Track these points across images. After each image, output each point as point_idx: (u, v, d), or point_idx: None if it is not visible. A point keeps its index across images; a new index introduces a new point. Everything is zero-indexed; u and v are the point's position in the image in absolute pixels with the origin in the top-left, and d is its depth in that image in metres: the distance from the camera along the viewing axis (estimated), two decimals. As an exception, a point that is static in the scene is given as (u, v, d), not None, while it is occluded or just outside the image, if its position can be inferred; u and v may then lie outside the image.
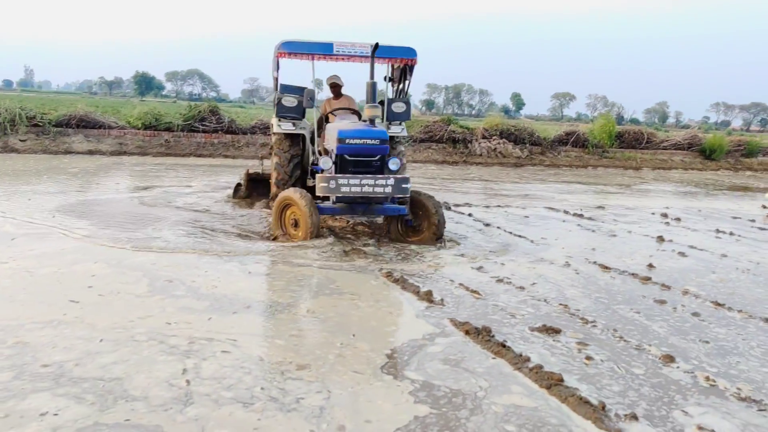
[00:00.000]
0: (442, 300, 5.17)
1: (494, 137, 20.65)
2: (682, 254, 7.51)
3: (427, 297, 5.20)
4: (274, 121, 8.39)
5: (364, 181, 6.60)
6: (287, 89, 8.53)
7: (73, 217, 7.96)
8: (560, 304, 5.26)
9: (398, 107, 8.51)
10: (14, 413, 3.02)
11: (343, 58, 7.94)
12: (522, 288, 5.68)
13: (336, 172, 6.85)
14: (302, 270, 5.93)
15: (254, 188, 9.90)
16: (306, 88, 8.24)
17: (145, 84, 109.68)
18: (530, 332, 4.55)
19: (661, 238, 8.40)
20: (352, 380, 3.54)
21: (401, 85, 8.94)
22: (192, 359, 3.70)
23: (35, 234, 6.90)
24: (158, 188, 11.07)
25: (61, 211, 8.32)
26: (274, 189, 8.30)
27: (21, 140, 15.75)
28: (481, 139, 20.59)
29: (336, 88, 8.70)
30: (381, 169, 6.96)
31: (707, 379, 3.87)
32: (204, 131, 17.98)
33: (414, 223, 7.44)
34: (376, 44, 7.13)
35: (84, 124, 16.85)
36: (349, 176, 6.62)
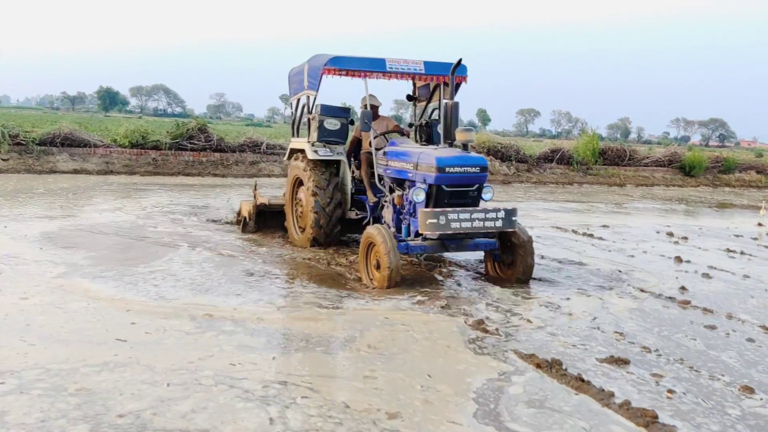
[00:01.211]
0: (497, 330, 5.02)
1: (482, 155, 20.69)
2: (706, 276, 7.51)
3: (480, 326, 5.08)
4: (306, 146, 7.74)
5: (474, 215, 5.92)
6: (329, 110, 7.82)
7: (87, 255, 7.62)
8: (615, 332, 5.17)
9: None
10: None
11: (395, 76, 7.41)
12: (571, 315, 5.60)
13: (430, 205, 6.15)
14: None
15: (263, 221, 8.99)
16: (349, 107, 7.96)
17: (109, 99, 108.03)
18: (599, 363, 4.44)
19: (679, 259, 8.41)
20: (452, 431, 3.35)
21: (430, 104, 8.54)
22: (273, 407, 3.48)
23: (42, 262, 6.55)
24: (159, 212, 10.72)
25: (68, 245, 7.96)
26: (310, 229, 7.64)
27: (3, 159, 15.17)
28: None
29: (374, 109, 8.02)
30: (476, 200, 6.36)
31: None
32: (192, 149, 17.62)
33: (501, 257, 6.69)
34: (459, 60, 6.66)
35: (69, 142, 16.34)
36: (458, 210, 5.90)
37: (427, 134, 8.37)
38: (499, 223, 6.01)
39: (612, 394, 3.87)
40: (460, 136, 6.31)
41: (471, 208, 6.00)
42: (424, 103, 8.74)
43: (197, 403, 3.47)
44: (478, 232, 6.07)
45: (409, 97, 8.85)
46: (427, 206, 6.12)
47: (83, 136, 16.71)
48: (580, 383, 4.03)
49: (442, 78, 7.47)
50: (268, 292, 5.94)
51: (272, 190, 10.54)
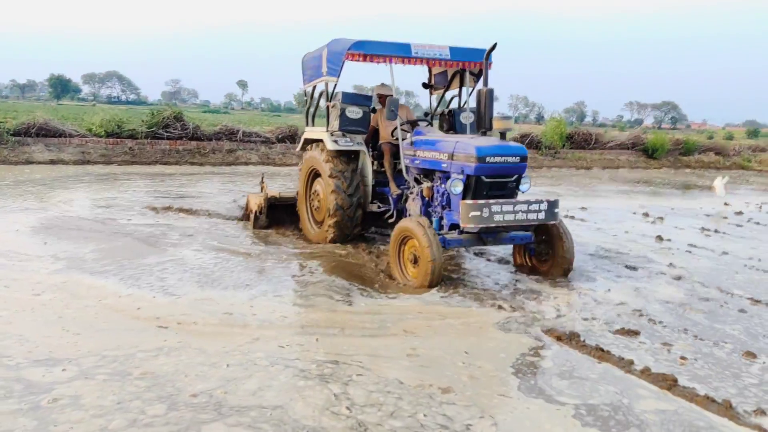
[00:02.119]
0: (521, 308, 5.38)
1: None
2: (689, 252, 7.99)
3: (507, 309, 5.34)
4: (325, 135, 7.40)
5: (517, 207, 5.65)
6: (351, 98, 7.43)
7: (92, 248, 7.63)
8: (617, 304, 5.57)
9: (466, 118, 7.73)
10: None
11: (420, 62, 7.08)
12: (574, 289, 5.97)
13: (468, 197, 5.89)
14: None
15: (275, 215, 8.56)
16: (370, 95, 7.54)
17: (61, 87, 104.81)
18: (614, 335, 4.79)
19: (660, 238, 8.89)
20: (506, 404, 3.62)
21: (446, 92, 8.36)
22: (333, 384, 3.72)
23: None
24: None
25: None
26: (330, 224, 7.27)
27: (-23, 151, 14.84)
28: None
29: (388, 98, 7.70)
30: (514, 191, 6.10)
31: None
32: (168, 138, 17.50)
33: (537, 250, 6.51)
34: (494, 45, 6.26)
35: (44, 132, 16.06)
36: (501, 202, 5.63)
37: (449, 123, 8.05)
38: (542, 216, 5.78)
39: (632, 362, 4.23)
40: (497, 124, 6.10)
41: (513, 200, 5.76)
42: (441, 91, 8.51)
43: (261, 382, 3.69)
44: (520, 225, 5.84)
45: (425, 85, 8.58)
46: (464, 198, 5.88)
47: (58, 126, 16.46)
48: (601, 353, 4.39)
49: (468, 64, 7.25)
50: (292, 288, 5.85)
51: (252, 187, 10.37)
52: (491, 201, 5.63)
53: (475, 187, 5.87)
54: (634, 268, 6.98)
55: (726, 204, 13.35)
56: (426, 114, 8.60)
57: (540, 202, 5.80)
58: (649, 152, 23.81)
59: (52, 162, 15.34)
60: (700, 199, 14.54)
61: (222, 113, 58.68)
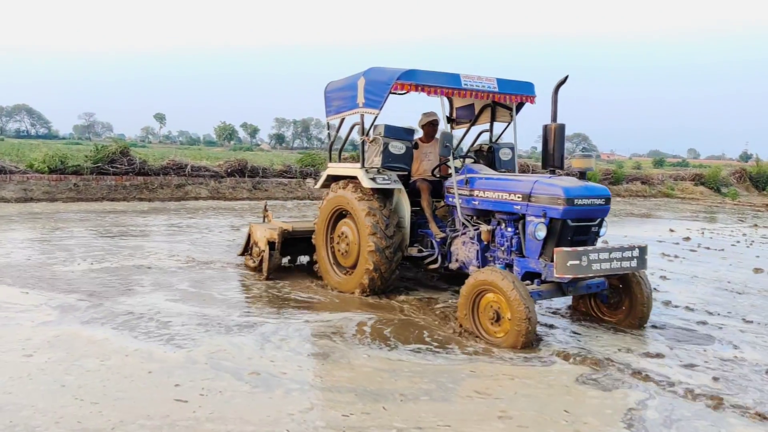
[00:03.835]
0: (608, 361, 4.94)
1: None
2: (663, 278, 8.45)
3: (588, 363, 4.88)
4: (359, 173, 6.79)
5: (612, 255, 5.23)
6: (394, 132, 6.83)
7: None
8: (699, 352, 5.79)
9: (505, 154, 7.39)
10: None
11: (469, 94, 6.55)
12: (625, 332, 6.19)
13: (551, 243, 5.45)
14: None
15: (288, 250, 7.91)
16: (412, 128, 7.04)
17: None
18: (712, 383, 4.62)
19: (631, 264, 9.34)
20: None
21: (472, 126, 7.95)
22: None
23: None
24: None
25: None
26: (364, 274, 6.60)
27: None
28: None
29: (433, 127, 7.42)
30: (596, 235, 5.69)
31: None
32: (115, 173, 16.89)
33: (611, 299, 6.09)
34: (565, 77, 5.93)
35: (-20, 169, 15.14)
36: (598, 249, 5.20)
37: (487, 160, 7.41)
38: (634, 264, 5.39)
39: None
40: (577, 163, 5.73)
41: (608, 247, 5.32)
42: (465, 126, 8.09)
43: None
44: (613, 274, 5.41)
45: (448, 119, 7.82)
46: (545, 244, 5.50)
47: (-4, 162, 15.56)
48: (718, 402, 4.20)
49: (517, 97, 6.89)
50: (330, 351, 5.01)
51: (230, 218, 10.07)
52: (589, 249, 5.20)
53: (560, 232, 5.42)
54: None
55: (671, 230, 14.18)
56: (486, 150, 7.69)
57: (632, 249, 5.39)
58: (582, 182, 24.94)
59: (-8, 200, 14.48)
60: (645, 226, 15.38)
61: (139, 147, 56.85)
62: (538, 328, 5.65)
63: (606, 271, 5.24)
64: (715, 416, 3.99)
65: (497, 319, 5.23)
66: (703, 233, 13.92)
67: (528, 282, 5.59)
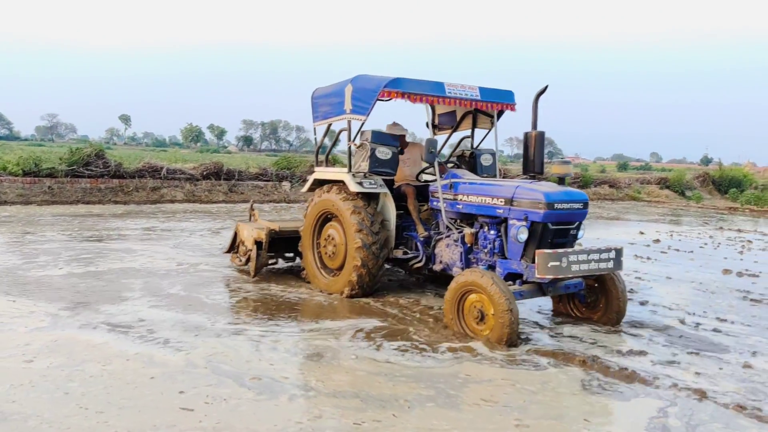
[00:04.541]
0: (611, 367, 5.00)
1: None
2: (639, 278, 8.78)
3: (588, 365, 5.00)
4: (347, 177, 7.01)
5: (591, 256, 5.50)
6: (381, 138, 7.02)
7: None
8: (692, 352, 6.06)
9: (486, 160, 7.72)
10: None
11: (452, 102, 6.84)
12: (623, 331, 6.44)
13: (531, 245, 5.69)
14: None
15: (276, 249, 7.98)
16: (399, 134, 7.37)
17: None
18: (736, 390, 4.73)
19: (606, 266, 9.67)
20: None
21: (453, 132, 8.23)
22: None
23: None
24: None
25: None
26: (352, 275, 6.76)
27: None
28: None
29: (401, 138, 7.63)
30: (574, 238, 5.95)
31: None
32: (90, 176, 16.74)
33: (588, 299, 6.40)
34: (545, 87, 6.16)
35: (-48, 172, 14.85)
36: (577, 251, 5.48)
37: (469, 165, 7.71)
38: (610, 264, 5.67)
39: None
40: (556, 169, 6.01)
41: (587, 249, 5.61)
42: (446, 132, 8.39)
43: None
44: (591, 275, 5.68)
45: (430, 125, 8.04)
46: (526, 247, 5.75)
47: (-32, 165, 15.28)
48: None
49: (498, 105, 7.17)
50: (324, 354, 5.08)
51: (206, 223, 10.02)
52: (568, 250, 5.47)
53: (541, 235, 5.67)
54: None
55: (641, 233, 14.63)
56: (468, 156, 8.02)
57: (609, 251, 5.67)
58: (552, 186, 25.47)
59: (-35, 203, 14.22)
60: (616, 228, 15.81)
61: (105, 149, 55.99)
62: (527, 330, 5.94)
63: (584, 272, 5.51)
64: (736, 420, 4.06)
65: (482, 318, 5.46)
66: (672, 235, 14.39)
67: (510, 282, 5.82)
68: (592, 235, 14.10)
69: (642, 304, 7.22)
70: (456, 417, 3.96)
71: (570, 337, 5.84)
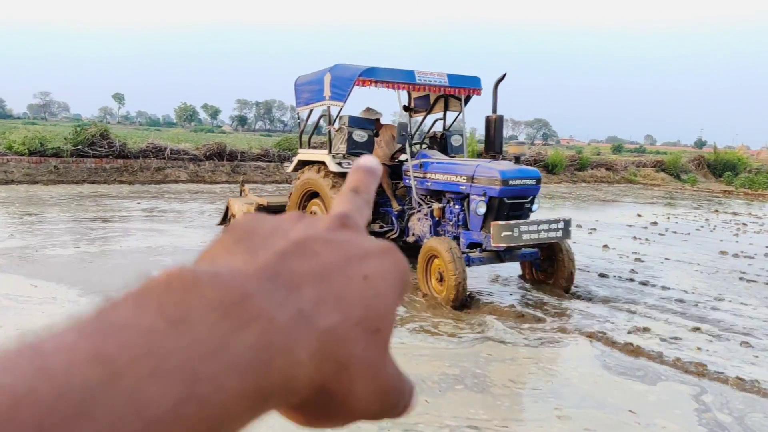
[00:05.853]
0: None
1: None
2: (639, 260, 9.09)
3: (601, 340, 5.35)
4: (327, 158, 7.61)
5: (540, 227, 6.12)
6: (357, 122, 7.77)
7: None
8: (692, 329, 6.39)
9: (456, 140, 8.40)
10: None
11: (422, 88, 7.61)
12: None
13: (489, 218, 6.30)
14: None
15: None
16: (375, 119, 7.95)
17: None
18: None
19: (606, 246, 10.00)
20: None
21: (431, 116, 8.81)
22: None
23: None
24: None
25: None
26: None
27: None
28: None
29: (376, 122, 8.22)
30: (529, 210, 6.60)
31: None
32: (95, 156, 16.91)
33: (543, 266, 7.03)
34: (503, 75, 6.79)
35: (-41, 151, 14.98)
36: (528, 222, 6.11)
37: (441, 146, 8.36)
38: (559, 234, 6.26)
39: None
40: (513, 149, 6.76)
41: (537, 220, 6.21)
42: (421, 114, 9.01)
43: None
44: (541, 243, 6.33)
45: (406, 108, 8.87)
46: (485, 219, 6.36)
47: (-25, 145, 15.40)
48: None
49: (464, 90, 7.76)
50: None
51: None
52: (520, 222, 6.08)
53: (498, 208, 6.30)
54: (604, 275, 7.87)
55: (639, 215, 14.94)
56: (438, 137, 8.74)
57: (557, 221, 6.27)
58: (549, 168, 25.74)
59: (-27, 182, 14.39)
60: (612, 210, 16.12)
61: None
62: (531, 312, 6.31)
63: (535, 240, 6.14)
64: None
65: (441, 279, 6.13)
66: (668, 218, 14.71)
67: (473, 250, 6.51)
68: (590, 217, 14.41)
69: (642, 284, 7.53)
70: (490, 403, 3.99)
71: (580, 313, 6.18)
